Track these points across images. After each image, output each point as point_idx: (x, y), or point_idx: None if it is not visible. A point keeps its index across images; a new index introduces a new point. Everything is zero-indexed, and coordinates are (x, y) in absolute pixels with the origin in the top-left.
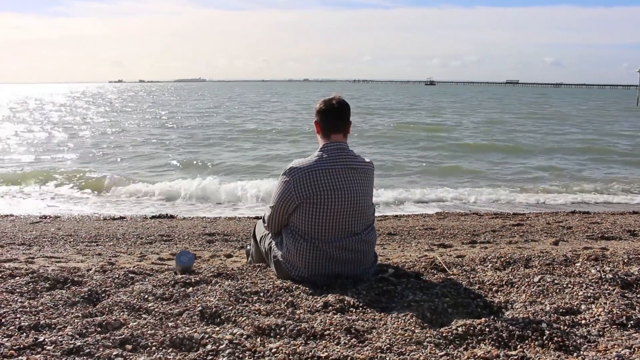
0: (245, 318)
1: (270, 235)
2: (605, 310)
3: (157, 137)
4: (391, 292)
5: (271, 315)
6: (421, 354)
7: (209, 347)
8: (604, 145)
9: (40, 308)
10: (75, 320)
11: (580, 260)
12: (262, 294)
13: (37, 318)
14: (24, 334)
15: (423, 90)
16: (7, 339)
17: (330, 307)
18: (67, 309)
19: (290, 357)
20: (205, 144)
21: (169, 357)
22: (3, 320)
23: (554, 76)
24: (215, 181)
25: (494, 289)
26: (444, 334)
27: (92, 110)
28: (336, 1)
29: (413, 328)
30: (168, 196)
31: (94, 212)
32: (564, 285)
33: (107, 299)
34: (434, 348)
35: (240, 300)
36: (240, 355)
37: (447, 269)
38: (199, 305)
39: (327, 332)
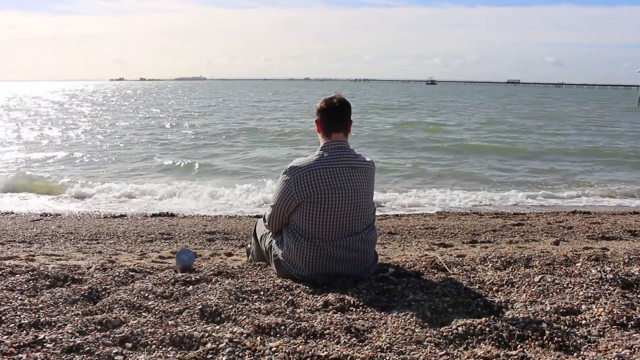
0: (245, 317)
1: (270, 234)
2: (606, 310)
3: (153, 137)
4: (391, 291)
5: (271, 314)
6: (421, 354)
7: (209, 345)
8: (605, 146)
9: (41, 306)
10: (76, 318)
11: (581, 260)
12: (262, 293)
13: (37, 316)
14: (24, 331)
15: (424, 90)
16: (7, 336)
17: (330, 306)
18: (67, 307)
19: (290, 356)
20: (204, 144)
21: (168, 355)
22: (3, 317)
23: (555, 76)
24: (215, 181)
25: (494, 288)
26: (444, 334)
27: (86, 108)
28: (338, 0)
29: (413, 327)
30: (161, 196)
31: (94, 210)
32: (565, 285)
33: (107, 297)
34: (434, 347)
35: (241, 299)
36: (240, 354)
37: (447, 268)
38: (199, 303)
39: (327, 331)
